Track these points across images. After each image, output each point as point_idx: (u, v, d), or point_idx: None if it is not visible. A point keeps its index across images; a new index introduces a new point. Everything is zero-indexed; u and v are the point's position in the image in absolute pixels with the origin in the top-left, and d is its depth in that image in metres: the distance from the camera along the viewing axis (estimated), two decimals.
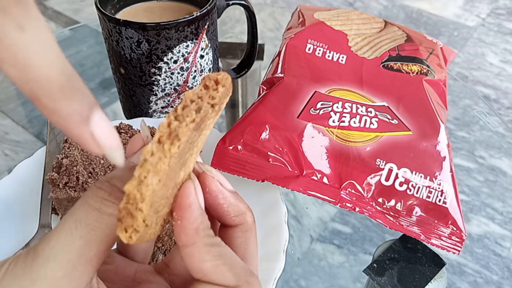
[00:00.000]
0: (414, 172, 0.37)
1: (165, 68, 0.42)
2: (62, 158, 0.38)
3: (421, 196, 0.36)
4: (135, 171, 0.15)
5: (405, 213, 0.36)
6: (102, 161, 0.37)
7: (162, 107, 0.46)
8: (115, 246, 0.23)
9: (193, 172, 0.19)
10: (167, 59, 0.42)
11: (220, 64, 0.53)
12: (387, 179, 0.37)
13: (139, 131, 0.35)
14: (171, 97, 0.45)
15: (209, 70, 0.46)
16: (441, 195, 0.36)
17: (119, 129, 0.41)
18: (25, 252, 0.16)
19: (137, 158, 0.18)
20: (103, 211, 0.16)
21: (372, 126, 0.39)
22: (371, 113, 0.40)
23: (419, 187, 0.36)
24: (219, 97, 0.17)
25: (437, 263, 0.36)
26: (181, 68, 0.43)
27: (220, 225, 0.21)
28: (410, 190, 0.36)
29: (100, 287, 0.18)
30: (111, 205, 0.16)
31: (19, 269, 0.16)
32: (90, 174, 0.36)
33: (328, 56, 0.45)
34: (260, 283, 0.18)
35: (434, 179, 0.37)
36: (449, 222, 0.36)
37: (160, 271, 0.22)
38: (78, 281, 0.16)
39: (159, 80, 0.43)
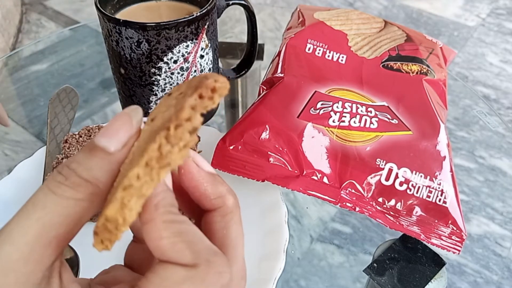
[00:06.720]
0: (414, 172, 0.37)
1: (165, 68, 0.42)
2: (62, 158, 0.38)
3: (421, 196, 0.36)
4: (117, 193, 0.15)
5: (405, 212, 0.36)
6: None
7: None
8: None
9: None
10: (167, 59, 0.42)
11: (220, 64, 0.53)
12: (387, 179, 0.37)
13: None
14: None
15: (209, 70, 0.46)
16: (441, 195, 0.36)
17: None
18: None
19: (101, 140, 0.17)
20: (60, 195, 0.16)
21: (372, 126, 0.39)
22: (371, 113, 0.40)
23: (419, 187, 0.36)
24: (212, 107, 0.16)
25: (437, 262, 0.36)
26: (181, 68, 0.43)
27: (204, 212, 0.20)
28: (410, 190, 0.36)
29: (63, 271, 0.18)
30: (67, 189, 0.16)
31: None
32: None
33: (328, 56, 0.45)
34: (228, 264, 0.17)
35: (434, 178, 0.37)
36: (449, 222, 0.36)
37: None
38: (36, 264, 0.16)
39: (159, 80, 0.43)
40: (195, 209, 0.20)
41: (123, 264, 0.22)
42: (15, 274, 0.16)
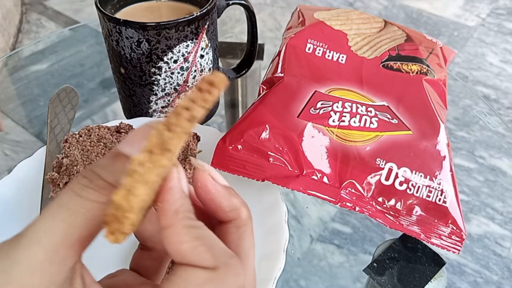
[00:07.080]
0: (414, 172, 0.37)
1: (165, 68, 0.42)
2: (62, 158, 0.38)
3: (421, 196, 0.36)
4: (123, 180, 0.15)
5: (405, 212, 0.36)
6: None
7: (162, 107, 0.46)
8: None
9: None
10: (167, 59, 0.42)
11: (220, 64, 0.53)
12: (387, 179, 0.37)
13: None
14: (171, 97, 0.45)
15: (209, 69, 0.46)
16: (441, 195, 0.36)
17: (119, 129, 0.41)
18: (13, 236, 0.17)
19: (125, 147, 0.18)
20: (85, 197, 0.17)
21: (372, 126, 0.39)
22: (371, 112, 0.40)
23: (419, 187, 0.36)
24: (212, 101, 0.17)
25: (437, 262, 0.36)
26: (181, 68, 0.43)
27: (217, 223, 0.21)
28: (410, 190, 0.36)
29: (84, 273, 0.18)
30: (92, 192, 0.17)
31: (3, 252, 0.16)
32: None
33: (328, 56, 0.45)
34: (244, 268, 0.18)
35: (434, 178, 0.37)
36: (449, 222, 0.36)
37: None
38: (60, 265, 0.16)
39: (159, 79, 0.43)
40: (206, 221, 0.20)
41: (126, 268, 0.23)
42: (41, 274, 0.16)
